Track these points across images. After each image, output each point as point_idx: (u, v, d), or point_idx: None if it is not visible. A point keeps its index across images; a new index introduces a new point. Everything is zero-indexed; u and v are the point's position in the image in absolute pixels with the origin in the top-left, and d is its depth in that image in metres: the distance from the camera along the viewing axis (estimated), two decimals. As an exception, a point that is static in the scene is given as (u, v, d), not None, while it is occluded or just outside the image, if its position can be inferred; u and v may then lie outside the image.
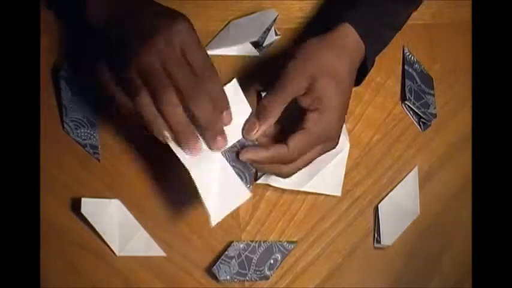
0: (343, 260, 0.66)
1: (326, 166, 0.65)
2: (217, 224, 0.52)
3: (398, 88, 0.71)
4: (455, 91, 0.72)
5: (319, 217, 0.66)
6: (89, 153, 0.63)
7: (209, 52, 0.68)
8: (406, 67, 0.70)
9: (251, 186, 0.55)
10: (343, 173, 0.66)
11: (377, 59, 0.64)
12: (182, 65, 0.49)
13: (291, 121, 0.56)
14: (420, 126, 0.70)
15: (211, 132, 0.51)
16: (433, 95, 0.71)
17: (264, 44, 0.69)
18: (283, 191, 0.66)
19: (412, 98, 0.69)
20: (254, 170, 0.57)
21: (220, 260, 0.62)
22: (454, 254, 0.68)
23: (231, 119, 0.53)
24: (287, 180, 0.59)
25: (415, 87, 0.70)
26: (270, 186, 0.65)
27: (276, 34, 0.70)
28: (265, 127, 0.54)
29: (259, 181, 0.64)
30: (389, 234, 0.66)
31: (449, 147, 0.70)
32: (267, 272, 0.63)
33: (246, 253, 0.63)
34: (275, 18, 0.68)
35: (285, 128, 0.56)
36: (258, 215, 0.65)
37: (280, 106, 0.53)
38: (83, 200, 0.60)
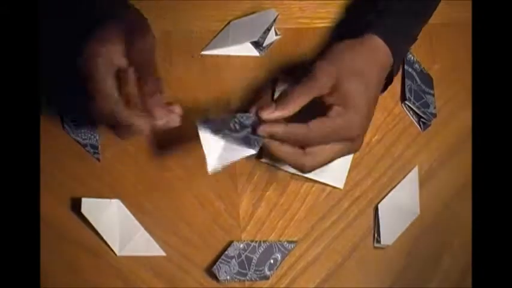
0: (343, 260, 0.66)
1: None
2: (214, 170, 0.51)
3: (398, 88, 0.71)
4: (455, 91, 0.72)
5: (319, 217, 0.66)
6: (89, 153, 0.63)
7: (209, 52, 0.69)
8: (406, 67, 0.70)
9: (257, 147, 0.53)
10: (348, 167, 0.66)
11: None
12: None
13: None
14: (420, 126, 0.70)
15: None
16: (433, 95, 0.71)
17: (264, 44, 0.69)
18: (284, 190, 0.66)
19: (412, 98, 0.69)
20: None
21: (220, 259, 0.62)
22: (454, 254, 0.68)
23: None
24: None
25: (415, 87, 0.70)
26: (270, 186, 0.65)
27: (276, 34, 0.70)
28: (281, 113, 0.52)
29: (263, 160, 0.64)
30: (389, 234, 0.66)
31: (449, 147, 0.70)
32: (267, 272, 0.63)
33: (246, 253, 0.63)
34: (275, 18, 0.68)
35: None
36: (258, 214, 0.65)
37: (302, 98, 0.53)
38: (83, 200, 0.60)
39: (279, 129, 0.52)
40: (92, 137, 0.63)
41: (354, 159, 0.67)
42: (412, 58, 0.71)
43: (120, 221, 0.62)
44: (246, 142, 0.53)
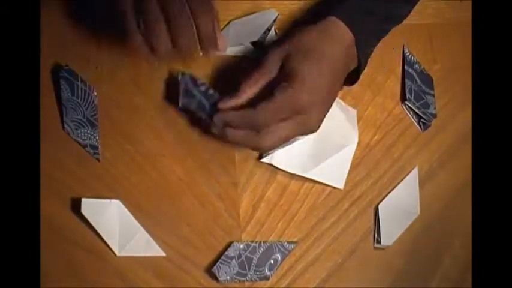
0: (343, 260, 0.66)
1: (332, 156, 0.65)
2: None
3: (398, 88, 0.71)
4: (455, 91, 0.72)
5: (319, 217, 0.66)
6: (89, 153, 0.63)
7: (209, 52, 0.68)
8: (406, 67, 0.70)
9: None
10: (348, 167, 0.66)
11: (377, 59, 0.64)
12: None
13: None
14: (420, 126, 0.70)
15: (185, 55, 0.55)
16: (433, 95, 0.71)
17: (264, 44, 0.69)
18: (283, 191, 0.66)
19: (412, 98, 0.69)
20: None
21: (220, 260, 0.62)
22: (454, 254, 0.68)
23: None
24: (291, 163, 0.61)
25: (415, 88, 0.70)
26: (270, 186, 0.65)
27: (276, 34, 0.70)
28: (234, 102, 0.57)
29: (263, 159, 0.64)
30: (390, 234, 0.66)
31: (449, 147, 0.70)
32: (267, 272, 0.63)
33: (246, 253, 0.63)
34: (275, 18, 0.68)
35: None
36: (258, 215, 0.65)
37: (252, 85, 0.57)
38: (83, 200, 0.60)
39: (231, 114, 0.57)
40: (92, 137, 0.63)
41: (354, 160, 0.67)
42: (412, 59, 0.71)
43: (120, 221, 0.62)
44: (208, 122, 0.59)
